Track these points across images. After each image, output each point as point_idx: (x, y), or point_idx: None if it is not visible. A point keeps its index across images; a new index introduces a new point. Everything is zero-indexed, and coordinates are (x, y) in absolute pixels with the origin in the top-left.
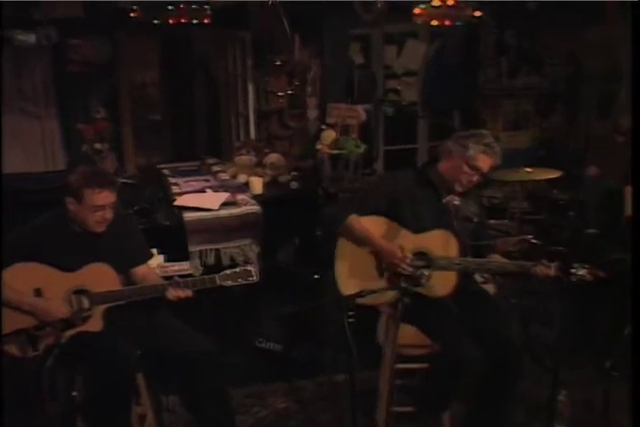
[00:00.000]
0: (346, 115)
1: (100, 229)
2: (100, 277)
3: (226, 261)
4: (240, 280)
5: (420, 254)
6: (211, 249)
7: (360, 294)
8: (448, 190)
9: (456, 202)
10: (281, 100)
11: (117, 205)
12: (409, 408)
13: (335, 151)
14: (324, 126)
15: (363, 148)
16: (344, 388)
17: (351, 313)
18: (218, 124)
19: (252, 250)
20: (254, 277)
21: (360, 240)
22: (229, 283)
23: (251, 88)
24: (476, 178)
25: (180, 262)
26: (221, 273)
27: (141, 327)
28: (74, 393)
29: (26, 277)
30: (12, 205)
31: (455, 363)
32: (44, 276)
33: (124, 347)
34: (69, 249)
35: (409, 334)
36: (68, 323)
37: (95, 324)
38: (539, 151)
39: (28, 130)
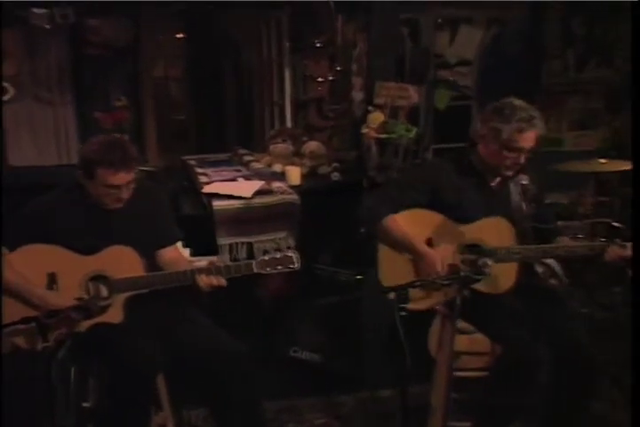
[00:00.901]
0: (396, 95)
1: (117, 205)
2: (121, 261)
3: (259, 256)
4: (280, 267)
5: (473, 247)
6: (242, 242)
7: (413, 284)
8: (494, 175)
9: (524, 182)
10: (320, 88)
11: (140, 178)
12: (467, 425)
13: (383, 135)
14: (370, 108)
15: (414, 132)
16: (390, 403)
17: (403, 306)
18: (250, 115)
19: (289, 244)
20: (296, 265)
21: (398, 245)
22: (268, 270)
23: (287, 74)
24: (523, 158)
25: (208, 257)
26: (259, 259)
27: (166, 322)
28: (85, 404)
29: (38, 261)
30: (22, 202)
31: (521, 370)
32: (59, 259)
33: (146, 344)
34: (87, 228)
35: (464, 342)
36: (84, 312)
37: (115, 315)
38: (609, 153)
39: (40, 118)
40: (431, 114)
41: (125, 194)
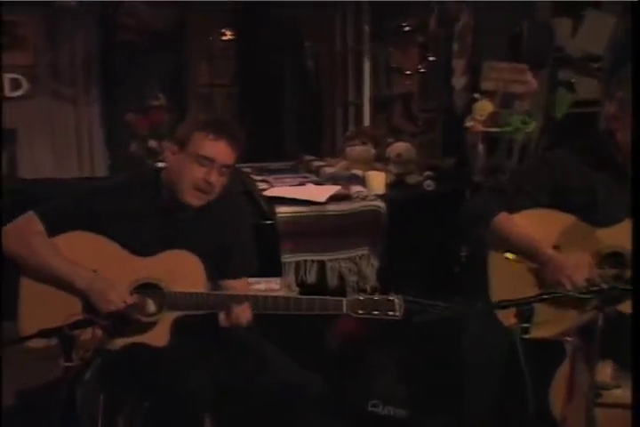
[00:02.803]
0: (509, 78)
1: (197, 200)
2: (181, 270)
3: (333, 279)
4: (377, 314)
5: (614, 256)
6: (312, 261)
7: (539, 298)
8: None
9: None
10: (409, 82)
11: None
12: None
13: (493, 129)
14: (476, 95)
15: (532, 125)
16: None
17: (526, 336)
18: (318, 118)
19: (371, 264)
20: (397, 313)
21: (515, 249)
22: (360, 313)
23: (367, 66)
24: None
25: (268, 279)
26: (351, 297)
27: (220, 352)
28: None
29: (79, 252)
30: None
31: None
32: (105, 254)
33: (195, 375)
34: (149, 224)
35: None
36: (120, 324)
37: (159, 336)
38: None
39: (60, 120)
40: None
41: (215, 177)
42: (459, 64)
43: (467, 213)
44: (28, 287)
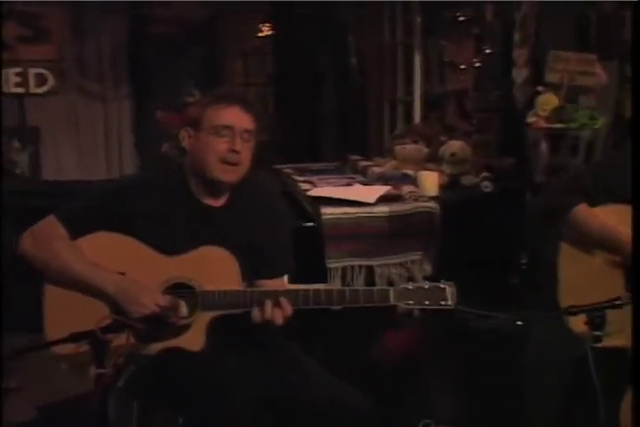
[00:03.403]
0: (576, 70)
1: (229, 175)
2: (214, 267)
3: (382, 285)
4: (427, 303)
5: None
6: (360, 266)
7: (613, 303)
8: None
9: None
10: (463, 77)
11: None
12: None
13: (557, 125)
14: (540, 88)
15: (600, 121)
16: None
17: (597, 345)
18: (362, 117)
19: (423, 270)
20: (450, 302)
21: (597, 245)
22: (410, 304)
23: (418, 61)
24: None
25: (313, 285)
26: (399, 286)
27: (259, 359)
28: None
29: (106, 253)
30: None
31: None
32: (133, 255)
33: (235, 384)
34: (177, 220)
35: None
36: (157, 327)
37: (194, 339)
38: None
39: (86, 118)
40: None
41: (239, 144)
42: (520, 55)
43: (541, 207)
44: (52, 295)
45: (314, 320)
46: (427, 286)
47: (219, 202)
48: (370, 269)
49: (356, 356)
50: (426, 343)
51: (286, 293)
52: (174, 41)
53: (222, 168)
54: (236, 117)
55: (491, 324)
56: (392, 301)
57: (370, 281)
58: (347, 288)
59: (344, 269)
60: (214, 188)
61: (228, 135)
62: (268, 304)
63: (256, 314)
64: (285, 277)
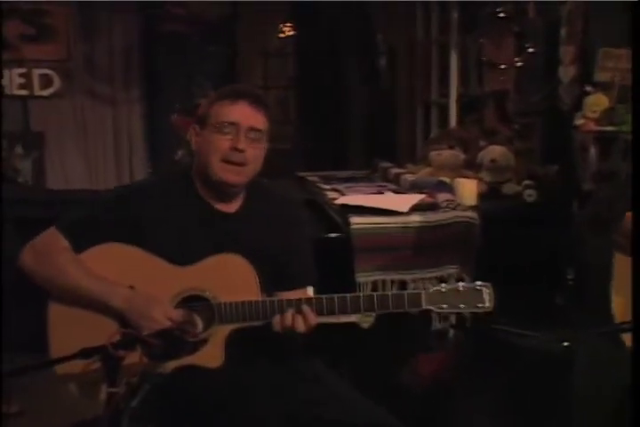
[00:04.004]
0: (628, 68)
1: (232, 176)
2: (229, 276)
3: None
4: (463, 306)
5: None
6: (392, 280)
7: None
8: None
9: None
10: (503, 77)
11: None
12: None
13: (608, 128)
14: (589, 88)
15: None
16: None
17: None
18: (391, 121)
19: None
20: (487, 305)
21: None
22: (445, 309)
23: (454, 60)
24: None
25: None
26: (432, 289)
27: (280, 374)
28: None
29: (113, 266)
30: None
31: None
32: (141, 266)
33: (256, 402)
34: (187, 226)
35: None
36: (168, 345)
37: (212, 355)
38: None
39: (95, 122)
40: None
41: (243, 143)
42: (567, 52)
43: (590, 216)
44: (56, 312)
45: (340, 339)
46: (461, 288)
47: (231, 207)
48: (403, 283)
49: (383, 379)
50: (461, 367)
51: (309, 300)
52: (189, 40)
53: (225, 168)
54: (242, 114)
55: (533, 344)
56: (424, 305)
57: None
58: (375, 293)
59: (374, 283)
60: (221, 191)
61: (231, 132)
62: (290, 311)
63: (277, 322)
64: (310, 291)
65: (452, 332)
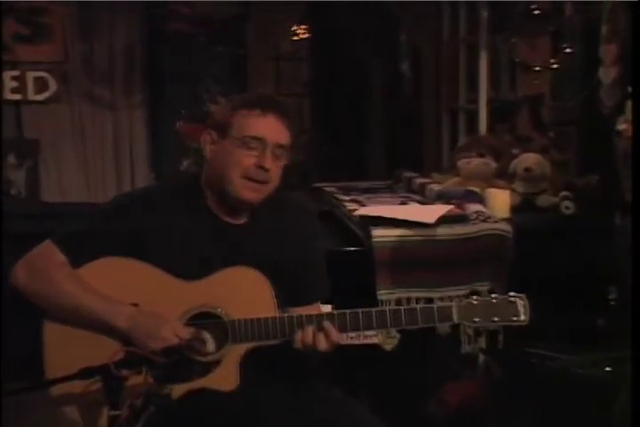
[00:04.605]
0: None
1: (253, 194)
2: (243, 290)
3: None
4: (497, 320)
5: None
6: (417, 298)
7: None
8: None
9: None
10: (537, 80)
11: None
12: None
13: None
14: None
15: None
16: None
17: None
18: (415, 129)
19: None
20: (522, 318)
21: None
22: (477, 322)
23: (484, 62)
24: None
25: None
26: (463, 302)
27: (299, 398)
28: None
29: (115, 282)
30: None
31: None
32: (146, 282)
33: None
34: (194, 238)
35: None
36: (176, 367)
37: (225, 378)
38: None
39: (94, 130)
40: None
41: (269, 161)
42: (608, 51)
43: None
44: (52, 333)
45: (361, 362)
46: (495, 300)
47: (240, 218)
48: (429, 302)
49: (406, 406)
50: (492, 395)
51: (331, 316)
52: (196, 41)
53: (246, 185)
54: (271, 129)
55: (571, 369)
56: (455, 319)
57: None
58: (402, 307)
59: (398, 301)
60: (234, 206)
61: (257, 149)
62: (310, 328)
63: (297, 340)
64: (328, 308)
65: (481, 357)
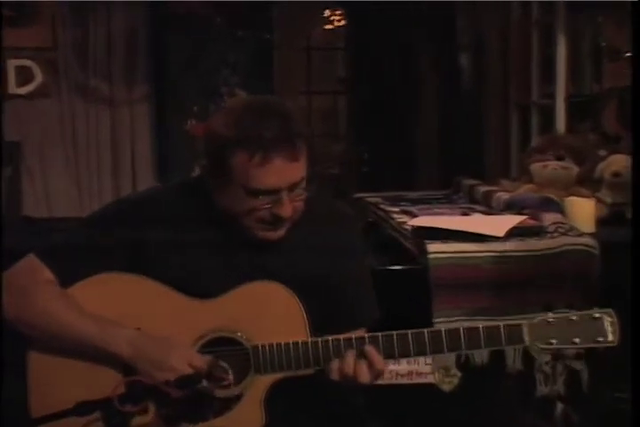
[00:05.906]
0: None
1: (273, 233)
2: (267, 310)
3: (515, 357)
4: (578, 341)
5: None
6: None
7: None
8: None
9: None
10: (628, 69)
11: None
12: None
13: None
14: None
15: None
16: None
17: None
18: (477, 130)
19: None
20: (610, 338)
21: None
22: (554, 344)
23: (562, 48)
24: None
25: None
26: (536, 319)
27: None
28: None
29: (114, 302)
30: None
31: None
32: (151, 302)
33: None
34: (208, 249)
35: None
36: (188, 403)
37: (247, 416)
38: None
39: (87, 130)
40: None
41: (289, 210)
42: None
43: None
44: (38, 365)
45: (412, 405)
46: (575, 317)
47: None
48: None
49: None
50: None
51: (375, 338)
52: (210, 26)
53: (263, 228)
54: (281, 175)
55: None
56: (527, 341)
57: (498, 350)
58: (461, 327)
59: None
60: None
61: (270, 196)
62: (350, 354)
63: (334, 369)
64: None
65: (560, 406)
